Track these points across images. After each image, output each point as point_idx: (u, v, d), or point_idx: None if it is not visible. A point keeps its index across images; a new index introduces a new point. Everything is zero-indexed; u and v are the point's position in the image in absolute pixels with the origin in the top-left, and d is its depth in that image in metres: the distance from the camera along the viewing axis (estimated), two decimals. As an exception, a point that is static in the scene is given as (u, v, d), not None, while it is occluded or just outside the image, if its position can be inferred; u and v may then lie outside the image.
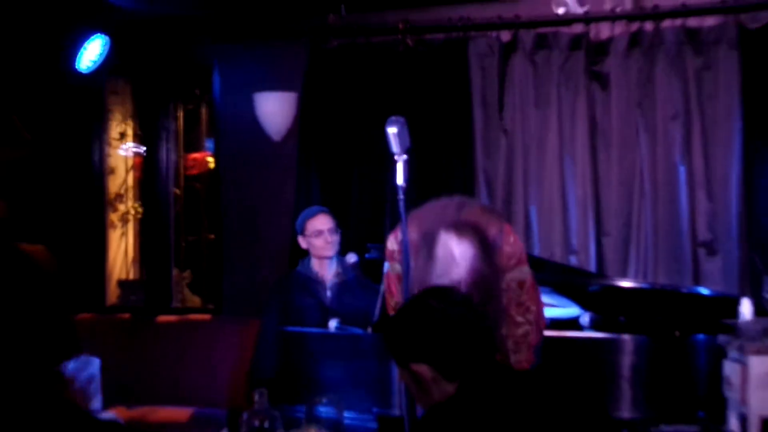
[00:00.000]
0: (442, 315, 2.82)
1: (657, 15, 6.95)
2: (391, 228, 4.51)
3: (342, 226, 6.24)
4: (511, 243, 4.26)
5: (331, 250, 6.14)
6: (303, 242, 6.20)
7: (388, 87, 7.29)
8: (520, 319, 4.23)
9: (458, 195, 4.55)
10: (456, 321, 2.81)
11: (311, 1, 7.44)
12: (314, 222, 6.16)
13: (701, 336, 5.34)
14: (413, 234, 4.22)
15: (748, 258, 6.60)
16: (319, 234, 6.12)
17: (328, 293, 6.14)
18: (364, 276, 6.17)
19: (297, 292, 6.20)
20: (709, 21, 6.88)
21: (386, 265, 4.55)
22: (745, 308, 4.95)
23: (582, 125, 7.10)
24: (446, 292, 3.00)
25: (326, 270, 6.19)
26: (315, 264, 6.19)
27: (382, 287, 4.63)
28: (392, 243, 4.49)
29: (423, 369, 2.79)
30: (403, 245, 4.17)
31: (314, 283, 6.17)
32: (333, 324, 5.73)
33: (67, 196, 8.11)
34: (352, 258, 6.20)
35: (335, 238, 6.16)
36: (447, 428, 2.65)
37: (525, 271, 4.30)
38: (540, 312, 4.38)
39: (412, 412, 4.15)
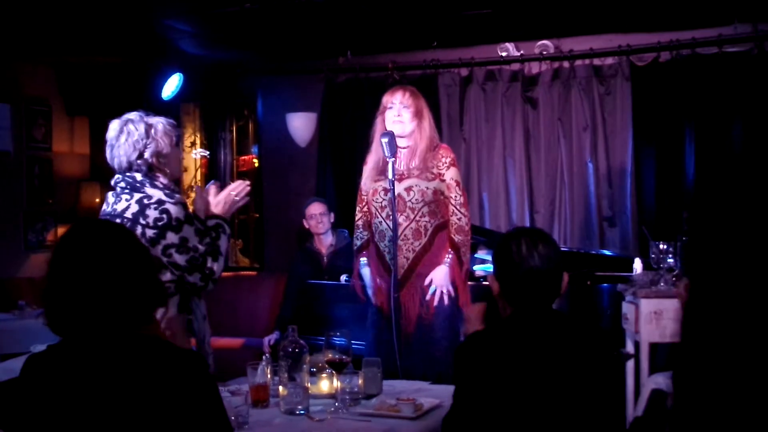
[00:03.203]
0: (518, 255, 2.54)
1: (572, 56, 6.92)
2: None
3: (349, 210, 6.19)
4: None
5: (322, 229, 6.17)
6: (305, 224, 6.23)
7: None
8: None
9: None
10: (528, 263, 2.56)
11: (326, 47, 7.38)
12: (310, 209, 6.21)
13: (606, 285, 5.30)
14: None
15: (638, 229, 6.57)
16: (313, 217, 6.17)
17: (324, 260, 6.12)
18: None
19: (302, 262, 6.28)
20: (609, 60, 6.87)
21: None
22: (637, 265, 4.91)
23: (519, 134, 7.09)
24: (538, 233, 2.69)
25: (322, 244, 6.20)
26: (315, 240, 6.22)
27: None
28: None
29: (495, 285, 2.62)
30: (393, 224, 4.10)
31: (314, 254, 6.19)
32: (343, 278, 5.68)
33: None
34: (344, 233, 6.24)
35: (325, 220, 6.19)
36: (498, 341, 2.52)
37: None
38: None
39: (398, 338, 4.10)
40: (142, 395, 1.95)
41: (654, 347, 4.61)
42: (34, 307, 6.51)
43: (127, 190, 3.38)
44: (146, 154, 3.40)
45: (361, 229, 4.49)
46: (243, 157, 8.80)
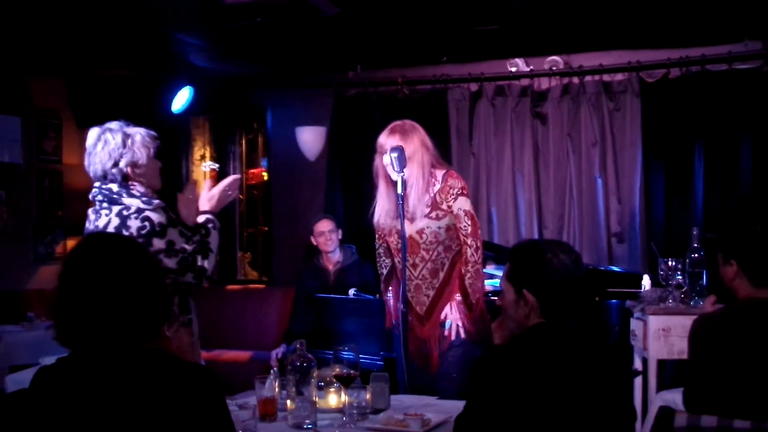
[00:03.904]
0: (558, 262, 2.52)
1: (581, 72, 6.93)
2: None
3: (358, 222, 6.20)
4: None
5: (331, 246, 6.11)
6: (313, 240, 6.17)
7: (390, 123, 7.25)
8: None
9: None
10: (563, 270, 2.53)
11: (336, 61, 7.40)
12: (318, 226, 6.13)
13: (614, 301, 5.29)
14: None
15: (647, 245, 6.56)
16: (321, 234, 6.10)
17: (332, 277, 6.10)
18: (363, 260, 6.11)
19: (309, 277, 6.21)
20: (619, 76, 6.87)
21: None
22: (646, 281, 4.91)
23: (528, 150, 7.08)
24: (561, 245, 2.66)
25: (329, 261, 6.15)
26: (323, 257, 6.17)
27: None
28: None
29: (531, 298, 2.54)
30: (402, 240, 4.09)
31: (321, 271, 6.14)
32: (352, 292, 5.68)
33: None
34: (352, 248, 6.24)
35: (333, 237, 6.11)
36: (532, 349, 2.49)
37: None
38: None
39: (405, 354, 4.09)
40: (151, 409, 1.96)
41: (662, 364, 4.61)
42: (43, 319, 6.53)
43: (105, 204, 3.41)
44: (121, 164, 3.41)
45: (383, 257, 4.44)
46: (252, 171, 8.82)
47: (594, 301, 5.29)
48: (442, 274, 4.22)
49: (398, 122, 4.32)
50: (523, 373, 2.42)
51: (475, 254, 4.19)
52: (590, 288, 2.50)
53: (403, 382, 3.99)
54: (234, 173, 8.59)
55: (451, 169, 4.37)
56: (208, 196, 3.60)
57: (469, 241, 4.18)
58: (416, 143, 4.20)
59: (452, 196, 4.19)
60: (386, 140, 4.21)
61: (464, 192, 4.24)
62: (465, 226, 4.19)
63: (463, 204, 4.21)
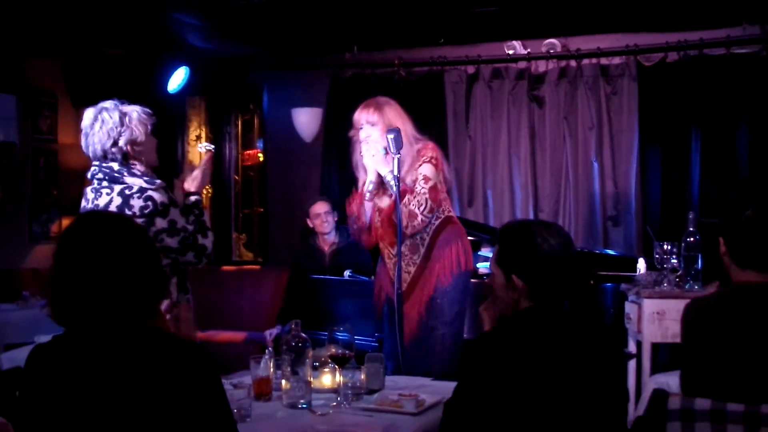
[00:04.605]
0: (548, 247, 2.49)
1: (579, 55, 6.92)
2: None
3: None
4: None
5: (327, 228, 6.09)
6: (309, 222, 6.16)
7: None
8: None
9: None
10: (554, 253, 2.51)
11: (333, 42, 7.39)
12: (314, 208, 6.11)
13: (609, 284, 5.30)
14: None
15: (642, 229, 6.57)
16: (318, 216, 6.08)
17: (327, 258, 6.09)
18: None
19: (305, 258, 6.20)
20: (616, 60, 6.88)
21: None
22: (641, 265, 4.92)
23: (524, 133, 7.10)
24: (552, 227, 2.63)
25: (325, 242, 6.15)
26: (318, 238, 6.17)
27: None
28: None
29: (520, 283, 2.52)
30: (397, 219, 4.08)
31: (317, 252, 6.14)
32: (347, 273, 5.69)
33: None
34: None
35: (330, 219, 6.09)
36: (521, 334, 2.48)
37: None
38: None
39: (398, 334, 4.09)
40: (146, 387, 1.96)
41: (656, 347, 4.62)
42: (38, 298, 6.53)
43: (105, 183, 3.40)
44: (120, 142, 3.40)
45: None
46: (248, 152, 8.81)
47: (588, 284, 5.30)
48: (422, 250, 4.22)
49: (371, 99, 4.30)
50: (514, 357, 2.42)
51: (416, 209, 4.10)
52: (580, 270, 2.47)
53: (397, 362, 4.01)
54: (230, 154, 8.60)
55: (431, 142, 4.32)
56: (191, 179, 3.60)
57: (410, 198, 4.10)
58: (393, 114, 4.20)
59: (419, 163, 4.16)
60: (360, 115, 4.22)
61: (433, 161, 4.17)
62: (420, 189, 4.11)
63: (425, 170, 4.14)
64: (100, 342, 2.02)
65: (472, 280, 4.43)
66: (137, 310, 2.07)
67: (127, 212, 3.29)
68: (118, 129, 3.41)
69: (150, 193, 3.35)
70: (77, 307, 2.03)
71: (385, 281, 4.36)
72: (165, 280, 2.26)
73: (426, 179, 4.14)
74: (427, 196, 4.12)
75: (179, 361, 2.00)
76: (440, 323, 4.20)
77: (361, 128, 4.20)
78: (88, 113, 3.46)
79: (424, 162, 4.17)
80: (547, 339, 2.46)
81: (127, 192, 3.34)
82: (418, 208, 4.11)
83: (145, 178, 3.40)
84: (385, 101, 4.27)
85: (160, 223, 3.32)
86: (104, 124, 3.41)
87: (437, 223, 4.23)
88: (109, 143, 3.40)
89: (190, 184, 3.60)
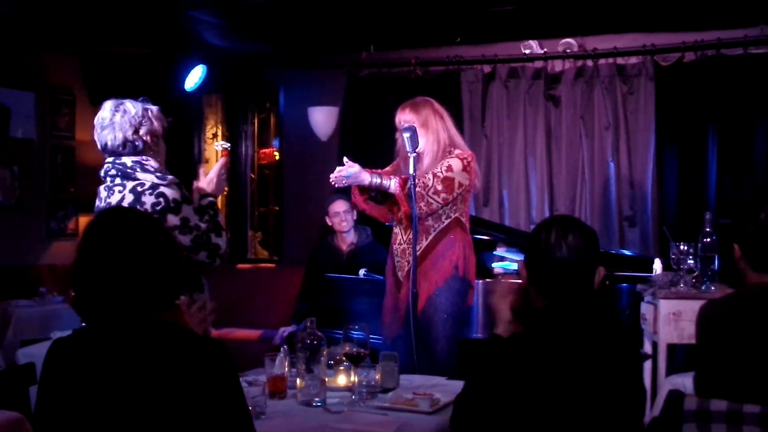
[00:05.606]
0: (552, 250, 2.46)
1: (595, 55, 6.89)
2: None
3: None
4: None
5: (346, 227, 6.11)
6: (328, 221, 6.17)
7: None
8: None
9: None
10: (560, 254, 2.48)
11: (349, 41, 7.39)
12: (333, 206, 6.12)
13: (625, 285, 5.29)
14: None
15: (658, 229, 6.55)
16: (336, 215, 6.09)
17: (345, 257, 6.09)
18: (376, 242, 6.11)
19: (322, 255, 6.23)
20: (633, 60, 6.84)
21: None
22: (657, 265, 4.90)
23: (540, 132, 7.07)
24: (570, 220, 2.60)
25: (344, 241, 6.15)
26: (337, 237, 6.18)
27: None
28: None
29: (524, 273, 2.54)
30: (413, 221, 4.09)
31: (334, 250, 6.15)
32: (362, 272, 5.70)
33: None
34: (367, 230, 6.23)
35: (349, 217, 6.09)
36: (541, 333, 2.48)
37: None
38: None
39: (412, 334, 4.10)
40: (164, 382, 1.97)
41: (672, 348, 4.61)
42: (55, 294, 6.58)
43: (118, 180, 3.40)
44: (141, 131, 3.41)
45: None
46: (264, 150, 8.83)
47: (603, 284, 5.28)
48: (425, 242, 4.23)
49: (411, 99, 4.37)
50: (527, 355, 2.42)
51: (422, 190, 4.16)
52: (590, 266, 2.43)
53: (412, 360, 4.02)
54: (246, 152, 8.62)
55: (472, 152, 4.38)
56: (206, 181, 3.60)
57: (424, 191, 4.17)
58: (427, 111, 4.28)
59: (450, 157, 4.24)
60: (399, 117, 4.30)
61: (464, 161, 4.25)
62: (437, 170, 4.19)
63: (451, 161, 4.23)
64: (119, 336, 2.04)
65: (487, 280, 4.45)
66: (158, 304, 2.09)
67: (139, 209, 3.29)
68: (140, 119, 3.42)
69: (162, 189, 3.34)
70: (99, 301, 2.06)
71: (388, 302, 4.45)
72: (184, 275, 2.28)
73: (449, 168, 4.20)
74: (440, 178, 4.17)
75: (196, 356, 2.02)
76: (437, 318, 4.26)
77: (401, 129, 4.23)
78: (108, 105, 3.46)
79: (454, 156, 4.25)
80: (562, 338, 2.45)
81: (139, 189, 3.34)
82: (425, 189, 4.16)
83: (158, 174, 3.40)
84: (423, 100, 4.37)
85: (172, 220, 3.31)
86: (126, 113, 3.42)
87: (447, 222, 4.26)
88: (130, 131, 3.40)
89: (206, 185, 3.59)
